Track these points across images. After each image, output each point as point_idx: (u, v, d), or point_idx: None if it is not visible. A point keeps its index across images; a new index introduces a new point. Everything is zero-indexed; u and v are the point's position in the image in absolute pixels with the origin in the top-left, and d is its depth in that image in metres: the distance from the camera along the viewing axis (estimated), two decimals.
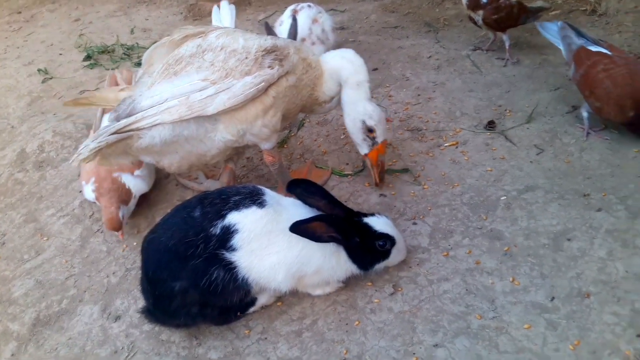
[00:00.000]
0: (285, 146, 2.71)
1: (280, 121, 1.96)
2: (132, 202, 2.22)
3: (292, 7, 3.15)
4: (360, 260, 1.71)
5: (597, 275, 1.70)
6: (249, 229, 1.57)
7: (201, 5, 4.99)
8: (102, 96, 2.05)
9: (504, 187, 2.19)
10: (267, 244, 1.59)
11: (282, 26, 3.03)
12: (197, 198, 1.70)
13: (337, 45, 3.71)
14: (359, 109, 2.05)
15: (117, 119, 1.83)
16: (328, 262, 1.66)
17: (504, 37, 3.19)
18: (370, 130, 2.08)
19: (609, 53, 2.37)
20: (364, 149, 2.15)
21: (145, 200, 2.41)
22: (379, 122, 2.06)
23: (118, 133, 1.80)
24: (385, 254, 1.73)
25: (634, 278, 1.67)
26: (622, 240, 1.81)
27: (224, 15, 2.89)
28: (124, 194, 2.15)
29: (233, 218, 1.58)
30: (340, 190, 2.33)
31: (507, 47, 3.20)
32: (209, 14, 4.86)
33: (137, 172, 2.24)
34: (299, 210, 1.66)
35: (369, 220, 1.71)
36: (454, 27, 3.89)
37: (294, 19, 2.82)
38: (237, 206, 1.60)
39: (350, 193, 2.30)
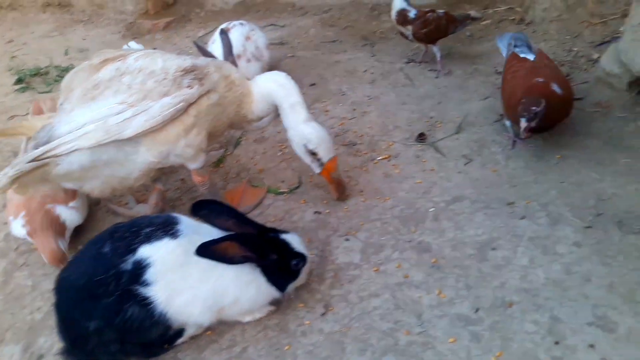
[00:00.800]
0: (221, 165, 2.71)
1: (205, 140, 1.97)
2: (68, 235, 2.16)
3: (223, 25, 3.17)
4: (277, 280, 1.68)
5: (519, 283, 1.77)
6: (162, 262, 1.53)
7: (140, 24, 4.95)
8: (29, 125, 2.01)
9: (433, 198, 2.25)
10: (181, 277, 1.56)
11: (215, 44, 3.04)
12: (108, 232, 1.64)
13: (276, 61, 3.78)
14: (299, 133, 2.09)
15: (36, 147, 1.80)
16: (245, 291, 1.63)
17: (435, 49, 3.29)
18: (313, 153, 2.12)
19: (531, 59, 2.48)
20: (316, 169, 2.19)
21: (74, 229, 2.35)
22: (319, 144, 2.08)
23: (36, 160, 1.76)
24: (296, 274, 1.71)
25: (553, 284, 1.74)
26: (543, 247, 1.90)
27: None
28: (58, 227, 2.08)
29: (144, 252, 1.53)
30: (275, 208, 2.35)
31: (438, 59, 3.30)
32: (148, 32, 4.86)
33: (71, 204, 2.18)
34: (216, 234, 1.65)
35: (287, 237, 1.70)
36: (389, 40, 3.99)
37: (225, 34, 2.83)
38: (148, 239, 1.55)
39: (285, 211, 2.32)
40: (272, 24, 4.69)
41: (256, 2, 5.18)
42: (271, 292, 1.70)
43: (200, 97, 1.87)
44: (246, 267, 1.62)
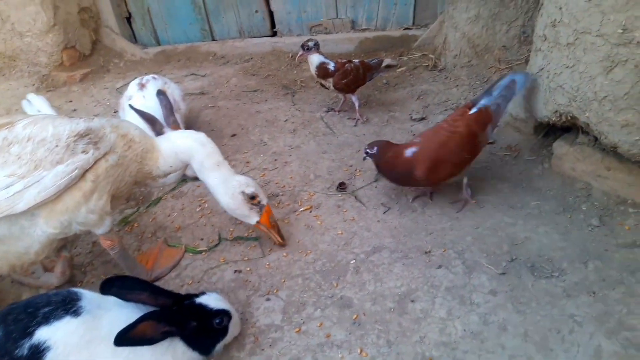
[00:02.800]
0: (135, 225, 2.60)
1: (109, 203, 1.87)
2: None
3: (136, 81, 3.11)
4: (200, 345, 1.63)
5: (438, 337, 1.77)
6: (63, 344, 1.43)
7: (54, 76, 4.78)
8: None
9: (354, 250, 2.25)
10: (88, 357, 1.46)
11: (131, 100, 2.96)
12: (0, 315, 1.51)
13: (197, 112, 3.74)
14: (232, 184, 2.08)
15: None
16: None
17: (353, 98, 3.36)
18: (252, 198, 2.11)
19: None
20: (254, 219, 2.17)
21: None
22: (256, 187, 2.12)
23: None
24: (224, 331, 1.69)
25: (471, 336, 1.75)
26: (460, 297, 1.92)
27: (39, 105, 2.77)
28: None
29: (43, 334, 1.42)
30: (193, 269, 2.26)
31: (356, 108, 3.36)
32: (64, 84, 4.70)
33: None
34: (124, 311, 1.56)
35: (202, 299, 1.66)
36: (309, 89, 4.04)
37: (163, 95, 2.80)
38: (46, 319, 1.45)
39: (204, 272, 2.24)
40: (192, 74, 4.66)
41: (177, 51, 5.15)
42: (192, 356, 1.63)
43: (97, 161, 1.79)
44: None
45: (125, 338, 1.41)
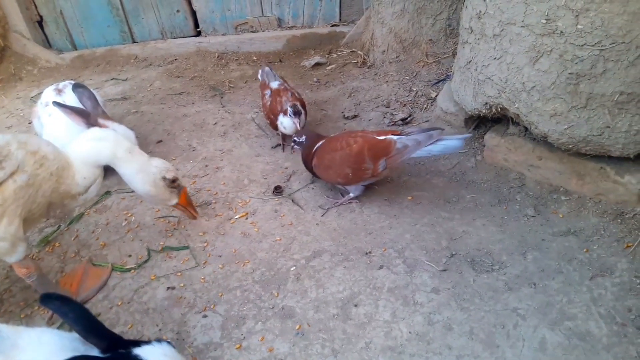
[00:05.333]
0: (56, 244, 2.40)
1: (21, 228, 1.70)
2: None
3: (52, 87, 2.88)
4: None
5: (384, 341, 1.73)
6: None
7: None
8: None
9: (293, 256, 2.17)
10: None
11: (49, 107, 2.75)
12: None
13: (119, 118, 3.52)
14: (151, 171, 1.99)
15: None
16: None
17: None
18: (173, 181, 2.04)
19: None
20: (173, 200, 2.11)
21: None
22: (173, 169, 2.07)
23: None
24: None
25: (417, 338, 1.72)
26: (403, 298, 1.88)
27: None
28: None
29: None
30: (122, 288, 2.11)
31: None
32: None
33: None
34: (43, 350, 1.40)
35: (141, 350, 1.43)
36: (239, 89, 3.91)
37: (83, 87, 2.72)
38: None
39: (134, 291, 2.09)
40: (113, 78, 4.42)
41: (95, 55, 4.87)
42: None
43: (4, 182, 1.61)
44: None
45: None
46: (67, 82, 2.94)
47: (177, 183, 2.07)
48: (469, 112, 2.60)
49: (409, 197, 2.42)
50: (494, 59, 2.27)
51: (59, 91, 2.84)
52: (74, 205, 1.97)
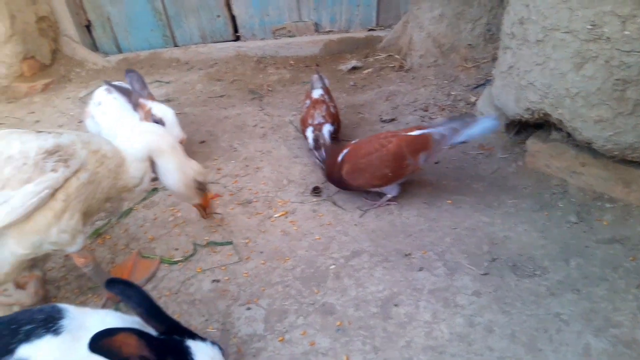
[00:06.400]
0: (107, 237, 2.50)
1: (81, 221, 1.79)
2: None
3: (103, 87, 3.00)
4: None
5: (425, 341, 1.75)
6: None
7: (15, 87, 4.59)
8: None
9: (333, 255, 2.21)
10: None
11: (102, 105, 2.88)
12: None
13: None
14: (187, 172, 2.09)
15: None
16: None
17: None
18: (202, 184, 2.16)
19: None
20: (196, 200, 2.22)
21: None
22: (205, 174, 2.18)
23: None
24: None
25: (458, 339, 1.74)
26: (444, 300, 1.90)
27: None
28: None
29: (24, 352, 1.36)
30: (170, 280, 2.18)
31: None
32: (25, 95, 4.52)
33: None
34: None
35: (193, 345, 1.51)
36: (277, 93, 3.99)
37: (133, 71, 2.92)
38: (28, 337, 1.39)
39: (181, 282, 2.16)
40: (157, 81, 4.55)
41: (139, 58, 5.02)
42: None
43: (68, 179, 1.70)
44: None
45: (100, 344, 1.31)
46: (115, 83, 3.06)
47: (204, 186, 2.19)
48: (510, 117, 2.61)
49: (449, 201, 2.43)
50: (537, 64, 2.28)
51: (110, 90, 2.96)
52: (131, 197, 2.06)
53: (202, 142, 3.33)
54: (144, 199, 2.75)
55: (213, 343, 1.55)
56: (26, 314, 1.49)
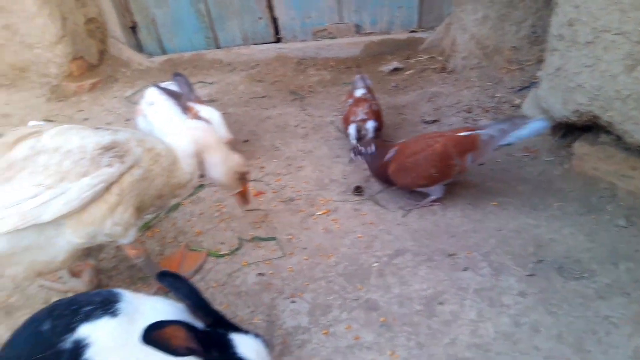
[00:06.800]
0: (156, 230, 2.58)
1: (133, 215, 1.87)
2: None
3: (154, 87, 3.08)
4: None
5: (469, 338, 1.75)
6: (101, 342, 1.44)
7: (64, 86, 4.75)
8: None
9: (375, 253, 2.23)
10: (122, 358, 1.46)
11: (155, 105, 2.97)
12: (46, 310, 1.53)
13: None
14: (229, 164, 2.18)
15: None
16: None
17: None
18: (243, 174, 2.25)
19: None
20: (237, 189, 2.31)
21: (5, 307, 2.19)
22: (245, 165, 2.27)
23: None
24: None
25: (503, 338, 1.73)
26: (489, 299, 1.90)
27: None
28: None
29: (84, 331, 1.44)
30: (217, 273, 2.24)
31: None
32: (74, 94, 4.68)
33: None
34: (160, 316, 1.53)
35: (235, 337, 1.55)
36: (317, 94, 4.03)
37: (181, 75, 3.02)
38: (87, 317, 1.46)
39: (227, 275, 2.22)
40: (200, 81, 4.65)
41: (182, 59, 5.14)
42: None
43: (123, 174, 1.78)
44: None
45: (152, 336, 1.37)
46: (167, 82, 3.16)
47: (244, 176, 2.28)
48: (557, 120, 2.58)
49: (494, 203, 2.43)
50: (586, 66, 2.25)
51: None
52: (185, 193, 2.14)
53: (246, 141, 3.39)
54: (191, 194, 2.82)
55: (256, 335, 1.59)
56: (85, 296, 1.57)
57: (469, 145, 2.30)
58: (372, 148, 2.52)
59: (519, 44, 3.50)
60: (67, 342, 1.42)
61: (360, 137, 2.80)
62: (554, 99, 2.55)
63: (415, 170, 2.36)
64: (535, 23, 3.42)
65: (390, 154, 2.44)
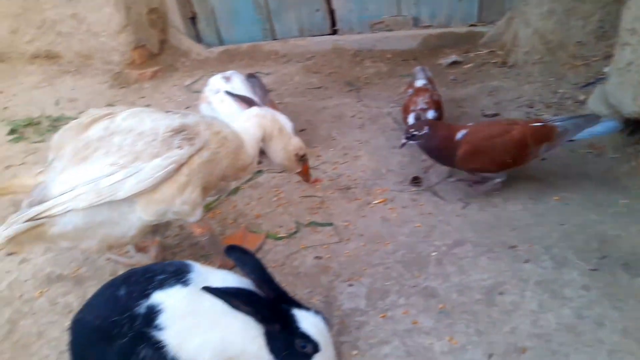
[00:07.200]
0: (217, 211, 2.66)
1: (200, 195, 1.95)
2: None
3: (219, 75, 3.18)
4: (276, 350, 1.58)
5: (531, 328, 1.74)
6: (173, 309, 1.52)
7: (127, 74, 4.93)
8: (20, 184, 1.99)
9: (434, 242, 2.23)
10: (191, 324, 1.54)
11: (220, 94, 3.05)
12: (122, 277, 1.64)
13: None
14: (289, 148, 2.28)
15: (30, 205, 1.78)
16: (251, 346, 1.57)
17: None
18: (302, 156, 2.35)
19: None
20: (297, 169, 2.40)
21: (75, 277, 2.32)
22: (304, 148, 2.37)
23: (30, 220, 1.75)
24: (306, 357, 1.58)
25: (566, 330, 1.71)
26: (551, 291, 1.87)
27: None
28: None
29: (157, 297, 1.53)
30: (275, 254, 2.30)
31: None
32: (135, 81, 4.85)
33: None
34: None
35: (298, 313, 1.59)
36: (374, 85, 4.03)
37: (255, 77, 3.11)
38: (161, 285, 1.55)
39: (286, 257, 2.27)
40: (257, 72, 4.71)
41: (240, 50, 5.22)
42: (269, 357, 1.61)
43: (192, 156, 1.86)
44: (254, 322, 1.57)
45: (214, 290, 1.50)
46: (231, 72, 3.24)
47: (304, 158, 2.36)
48: (626, 116, 2.51)
49: (556, 198, 2.38)
50: None
51: (227, 79, 3.14)
52: (245, 176, 2.22)
53: (302, 130, 3.43)
54: (250, 179, 2.89)
55: (317, 312, 1.64)
56: (159, 265, 1.67)
57: (546, 136, 2.29)
58: (426, 129, 2.42)
59: (585, 39, 3.41)
60: (142, 307, 1.51)
61: (409, 136, 2.73)
62: (623, 95, 2.48)
63: (489, 155, 2.32)
64: (603, 18, 3.33)
65: (461, 134, 2.37)
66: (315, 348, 1.57)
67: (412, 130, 2.44)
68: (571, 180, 2.49)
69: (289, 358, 1.58)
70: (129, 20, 4.87)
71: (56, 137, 1.99)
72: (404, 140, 2.47)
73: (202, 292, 1.50)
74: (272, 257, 2.26)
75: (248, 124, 2.17)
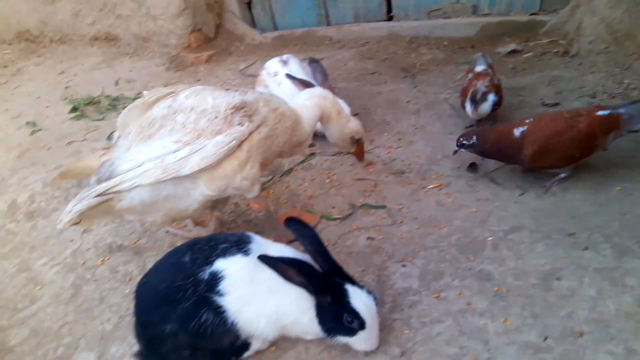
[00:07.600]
0: (272, 191, 2.71)
1: (259, 171, 2.00)
2: None
3: (276, 59, 3.23)
4: (324, 321, 1.64)
5: (588, 314, 1.71)
6: (234, 276, 1.60)
7: (183, 57, 5.06)
8: (86, 165, 2.12)
9: (490, 227, 2.21)
10: (250, 292, 1.61)
11: (278, 76, 3.10)
12: (187, 244, 1.72)
13: None
14: (346, 131, 2.35)
15: (99, 182, 1.89)
16: (304, 316, 1.64)
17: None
18: (357, 139, 2.42)
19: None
20: (352, 149, 2.50)
21: (135, 248, 2.43)
22: (362, 132, 2.43)
23: (100, 196, 1.86)
24: (350, 332, 1.62)
25: (626, 317, 1.68)
26: (611, 279, 1.83)
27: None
28: None
29: (220, 265, 1.60)
30: (328, 233, 2.33)
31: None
32: (191, 64, 4.97)
33: None
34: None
35: (351, 289, 1.63)
36: (430, 72, 3.99)
37: (317, 62, 3.19)
38: (224, 253, 1.63)
39: (338, 236, 2.30)
40: (310, 57, 4.74)
41: (294, 35, 5.26)
42: (317, 331, 1.68)
43: (252, 132, 1.91)
44: (307, 295, 1.63)
45: (268, 260, 1.57)
46: (287, 55, 3.28)
47: (360, 141, 2.45)
48: None
49: (618, 188, 2.32)
50: None
51: (284, 62, 3.20)
52: (300, 153, 2.35)
53: (356, 114, 3.43)
54: (302, 161, 2.94)
55: (369, 291, 1.66)
56: (222, 235, 1.74)
57: (613, 125, 2.24)
58: (474, 139, 2.43)
59: None
60: (205, 273, 1.59)
61: (475, 100, 2.79)
62: None
63: (558, 151, 2.27)
64: None
65: (519, 131, 2.32)
66: (362, 325, 1.61)
67: (462, 139, 2.48)
68: (634, 171, 2.40)
69: (334, 329, 1.64)
70: (187, 4, 4.98)
71: (121, 116, 2.09)
72: (455, 149, 2.53)
73: (258, 260, 1.56)
74: (325, 237, 2.29)
75: (309, 102, 2.21)
